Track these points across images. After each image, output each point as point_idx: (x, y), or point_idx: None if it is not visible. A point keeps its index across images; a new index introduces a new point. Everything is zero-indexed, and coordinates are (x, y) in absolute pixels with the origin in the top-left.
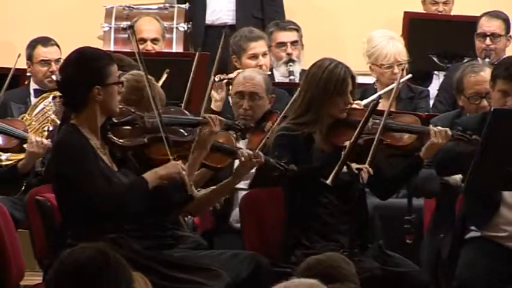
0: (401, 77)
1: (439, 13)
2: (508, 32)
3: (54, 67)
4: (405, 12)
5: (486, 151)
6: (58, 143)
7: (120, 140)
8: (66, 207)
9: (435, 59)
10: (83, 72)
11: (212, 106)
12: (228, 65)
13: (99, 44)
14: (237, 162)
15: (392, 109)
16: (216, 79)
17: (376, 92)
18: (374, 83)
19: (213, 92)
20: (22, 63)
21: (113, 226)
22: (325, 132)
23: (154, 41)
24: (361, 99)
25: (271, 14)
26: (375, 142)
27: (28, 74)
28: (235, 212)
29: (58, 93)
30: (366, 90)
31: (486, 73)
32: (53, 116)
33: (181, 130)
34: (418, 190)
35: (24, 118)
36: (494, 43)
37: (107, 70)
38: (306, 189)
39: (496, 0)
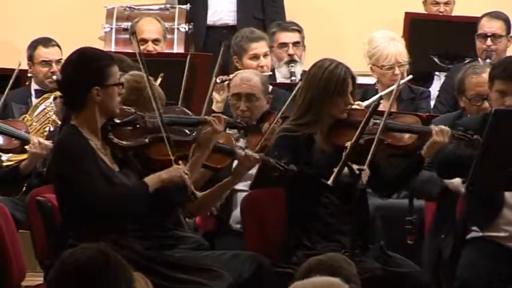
0: (402, 77)
1: (440, 14)
2: (508, 32)
3: (55, 68)
4: (406, 13)
5: (487, 152)
6: (58, 144)
7: (121, 141)
8: (66, 208)
9: (436, 60)
10: (82, 72)
11: (213, 107)
12: (229, 66)
13: (100, 45)
14: (236, 162)
15: (394, 110)
16: (218, 80)
17: (377, 93)
18: (375, 83)
19: (214, 93)
20: (23, 64)
21: (114, 226)
22: (325, 133)
23: (155, 41)
24: (362, 100)
25: (272, 14)
26: (375, 142)
27: (29, 74)
28: (235, 214)
29: (59, 94)
30: (366, 90)
31: (487, 74)
32: (53, 117)
33: (183, 130)
34: (417, 192)
35: (25, 119)
36: (495, 44)
37: (107, 71)
38: (306, 189)
39: (496, 1)
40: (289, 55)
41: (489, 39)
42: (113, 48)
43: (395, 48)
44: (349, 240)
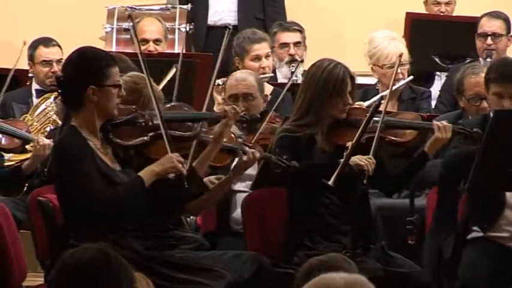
0: (403, 77)
1: (441, 14)
2: (508, 32)
3: (56, 67)
4: (407, 13)
5: (488, 152)
6: (57, 145)
7: (122, 140)
8: (67, 208)
9: (437, 60)
10: (80, 71)
11: (215, 108)
12: (231, 67)
13: (101, 45)
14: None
15: (394, 110)
16: (220, 82)
17: (377, 93)
18: (375, 84)
19: (216, 94)
20: (24, 64)
21: (115, 227)
22: (325, 133)
23: (156, 41)
24: (363, 100)
25: (272, 15)
26: (375, 139)
27: (30, 74)
28: (236, 214)
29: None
30: (367, 90)
31: None
32: (54, 117)
33: (186, 125)
34: (419, 184)
35: (26, 118)
36: (496, 43)
37: (105, 71)
38: (308, 189)
39: (497, 1)
40: (290, 55)
41: (489, 38)
42: (113, 48)
43: (396, 48)
44: (350, 241)
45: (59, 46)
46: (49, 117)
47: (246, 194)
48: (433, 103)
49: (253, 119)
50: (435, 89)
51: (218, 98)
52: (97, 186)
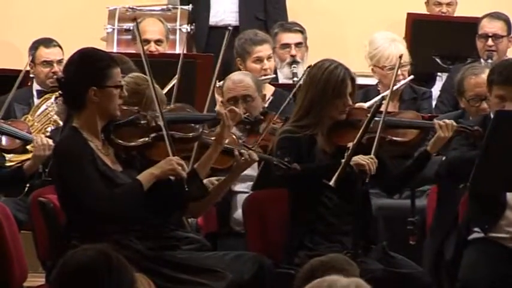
0: (404, 78)
1: (443, 14)
2: (509, 33)
3: (56, 68)
4: (408, 14)
5: (489, 153)
6: (58, 145)
7: (124, 141)
8: (69, 209)
9: (438, 60)
10: (82, 72)
11: (217, 109)
12: (232, 68)
13: (102, 46)
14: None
15: (396, 110)
16: (221, 84)
17: (378, 94)
18: (376, 84)
19: (217, 95)
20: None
21: (116, 227)
22: (326, 134)
23: (158, 42)
24: (364, 101)
25: (274, 15)
26: (376, 139)
27: (31, 75)
28: (236, 215)
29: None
30: (368, 91)
31: (486, 75)
32: (55, 117)
33: (188, 126)
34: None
35: (27, 119)
36: (496, 44)
37: (106, 72)
38: (309, 189)
39: (498, 2)
40: (291, 56)
41: (490, 39)
42: (115, 49)
43: (397, 49)
44: (351, 241)
45: (60, 47)
46: (50, 118)
47: (247, 194)
48: (434, 103)
49: (256, 121)
50: (436, 90)
51: (219, 99)
52: (95, 187)
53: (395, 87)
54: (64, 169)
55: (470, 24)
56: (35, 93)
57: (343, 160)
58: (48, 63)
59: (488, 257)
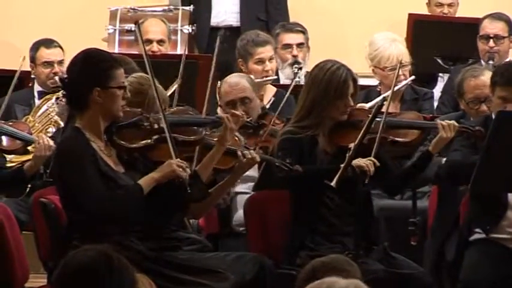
0: (405, 78)
1: (444, 15)
2: (510, 33)
3: (57, 68)
4: (409, 14)
5: (490, 153)
6: (60, 145)
7: (126, 143)
8: (70, 209)
9: (440, 61)
10: (85, 72)
11: (218, 110)
12: (234, 69)
13: (103, 46)
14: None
15: (397, 111)
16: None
17: (379, 95)
18: (377, 85)
19: (219, 96)
20: (26, 65)
21: (117, 228)
22: (328, 134)
23: (160, 42)
24: (365, 102)
25: (275, 16)
26: (377, 139)
27: (32, 76)
28: (238, 216)
29: (61, 94)
30: (369, 92)
31: (486, 77)
32: (55, 118)
33: (191, 129)
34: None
35: (28, 120)
36: (498, 45)
37: (110, 73)
38: (311, 190)
39: (500, 2)
40: (293, 56)
41: (491, 40)
42: (116, 50)
43: (397, 50)
44: (353, 242)
45: (60, 47)
46: (50, 119)
47: (248, 195)
48: (436, 104)
49: (259, 125)
50: (438, 90)
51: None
52: (96, 188)
53: (396, 88)
54: (65, 169)
55: (472, 25)
56: (36, 94)
57: (344, 161)
58: (49, 63)
59: (489, 257)
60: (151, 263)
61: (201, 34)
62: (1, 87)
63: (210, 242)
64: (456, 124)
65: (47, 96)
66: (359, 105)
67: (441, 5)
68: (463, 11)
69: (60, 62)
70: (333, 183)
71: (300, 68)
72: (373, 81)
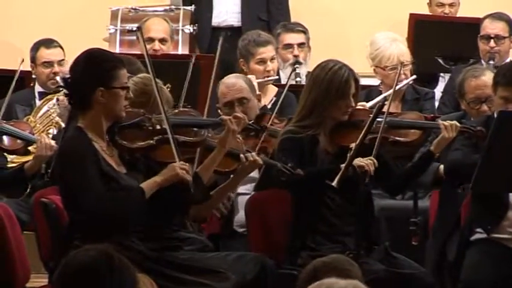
0: (406, 78)
1: (445, 15)
2: (511, 33)
3: (57, 68)
4: (411, 14)
5: (492, 153)
6: (61, 147)
7: (128, 143)
8: (71, 209)
9: (441, 61)
10: (88, 72)
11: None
12: (236, 69)
13: (104, 46)
14: None
15: (398, 111)
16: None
17: (380, 94)
18: (379, 85)
19: None
20: (27, 66)
21: (119, 228)
22: (329, 134)
23: (162, 41)
24: (366, 101)
25: (276, 16)
26: (377, 139)
27: (33, 76)
28: (239, 217)
29: (61, 95)
30: (370, 91)
31: (487, 77)
32: (57, 119)
33: (192, 131)
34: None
35: (29, 120)
36: (498, 45)
37: (113, 73)
38: (312, 190)
39: (501, 3)
40: (294, 56)
41: (492, 40)
42: (117, 50)
43: (398, 49)
44: (354, 242)
45: (61, 47)
46: (52, 120)
47: (248, 196)
48: (437, 104)
49: (261, 128)
50: (439, 90)
51: None
52: (96, 188)
53: (397, 87)
54: (67, 168)
55: (473, 25)
56: (36, 94)
57: (345, 162)
58: (49, 63)
59: (490, 257)
60: (153, 263)
61: (202, 34)
62: (1, 87)
63: (211, 242)
64: (458, 124)
65: (48, 97)
66: (359, 104)
67: (442, 5)
68: (464, 11)
69: (60, 62)
70: (334, 183)
71: (298, 74)
72: (375, 81)
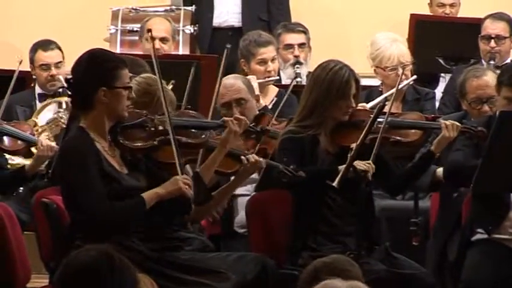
0: (406, 78)
1: (446, 15)
2: None
3: (54, 71)
4: (411, 15)
5: (493, 153)
6: (63, 147)
7: (130, 143)
8: (72, 209)
9: (441, 61)
10: (90, 72)
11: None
12: (237, 69)
13: (105, 46)
14: None
15: (398, 111)
16: None
17: (381, 94)
18: (379, 85)
19: None
20: (26, 66)
21: (119, 228)
22: (330, 134)
23: (163, 40)
24: (367, 102)
25: (277, 16)
26: (378, 140)
27: (34, 77)
28: (239, 218)
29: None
30: (371, 92)
31: (488, 77)
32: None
33: (194, 132)
34: None
35: (35, 128)
36: (499, 45)
37: (115, 73)
38: (312, 190)
39: (502, 3)
40: (294, 56)
41: (493, 40)
42: (118, 50)
43: (398, 49)
44: (355, 242)
45: (59, 49)
46: (61, 127)
47: (248, 197)
48: (437, 104)
49: (262, 131)
50: (440, 91)
51: None
52: (97, 189)
53: (399, 87)
54: (68, 168)
55: (474, 25)
56: (37, 95)
57: (345, 162)
58: (47, 66)
59: (491, 258)
60: (153, 263)
61: (203, 34)
62: (1, 87)
63: (211, 242)
64: (459, 124)
65: (49, 100)
66: (360, 104)
67: (443, 5)
68: (465, 11)
69: (58, 65)
70: (335, 184)
71: (299, 74)
72: (375, 82)
